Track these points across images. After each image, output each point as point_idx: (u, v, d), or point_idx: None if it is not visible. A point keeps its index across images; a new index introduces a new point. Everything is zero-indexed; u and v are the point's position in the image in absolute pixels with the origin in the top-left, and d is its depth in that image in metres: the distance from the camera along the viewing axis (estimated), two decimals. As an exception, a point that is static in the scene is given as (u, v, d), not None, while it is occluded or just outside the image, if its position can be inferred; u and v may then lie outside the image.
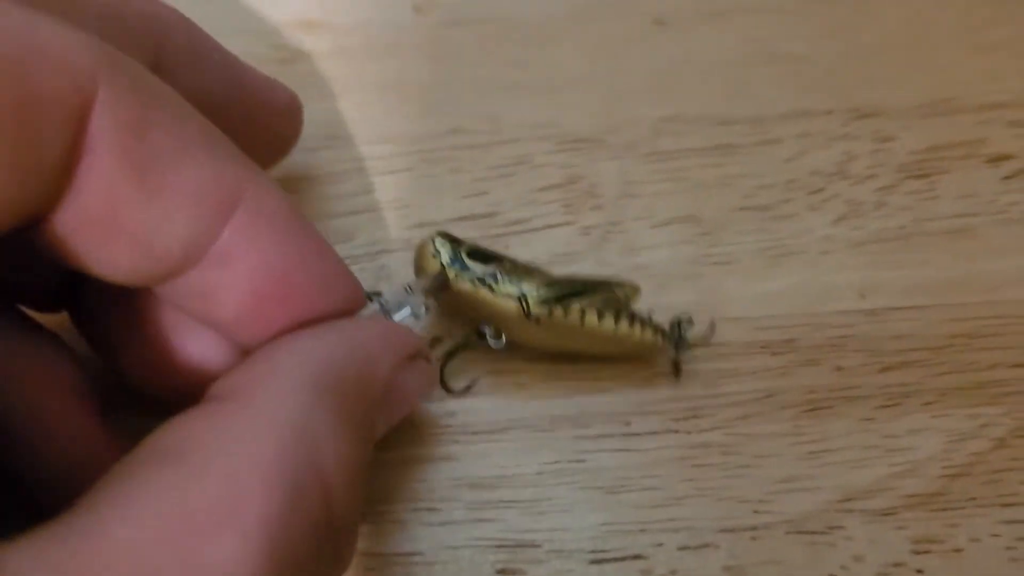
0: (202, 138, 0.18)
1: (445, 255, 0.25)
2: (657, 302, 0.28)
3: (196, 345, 0.21)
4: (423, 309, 0.24)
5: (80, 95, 0.16)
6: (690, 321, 0.27)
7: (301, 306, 0.20)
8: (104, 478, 0.16)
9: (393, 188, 0.31)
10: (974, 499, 0.25)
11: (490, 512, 0.25)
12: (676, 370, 0.27)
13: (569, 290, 0.25)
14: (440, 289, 0.25)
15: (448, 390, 0.27)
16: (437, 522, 0.25)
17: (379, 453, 0.24)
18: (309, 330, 0.20)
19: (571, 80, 0.34)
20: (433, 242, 0.25)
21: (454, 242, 0.25)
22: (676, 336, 0.27)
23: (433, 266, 0.25)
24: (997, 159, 0.31)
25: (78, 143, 0.16)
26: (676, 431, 0.26)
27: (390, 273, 0.29)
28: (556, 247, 0.29)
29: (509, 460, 0.26)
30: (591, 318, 0.25)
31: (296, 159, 0.30)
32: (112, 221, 0.17)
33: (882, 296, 0.28)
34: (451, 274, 0.25)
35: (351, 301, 0.21)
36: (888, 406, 0.27)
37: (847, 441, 0.26)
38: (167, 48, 0.22)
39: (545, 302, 0.25)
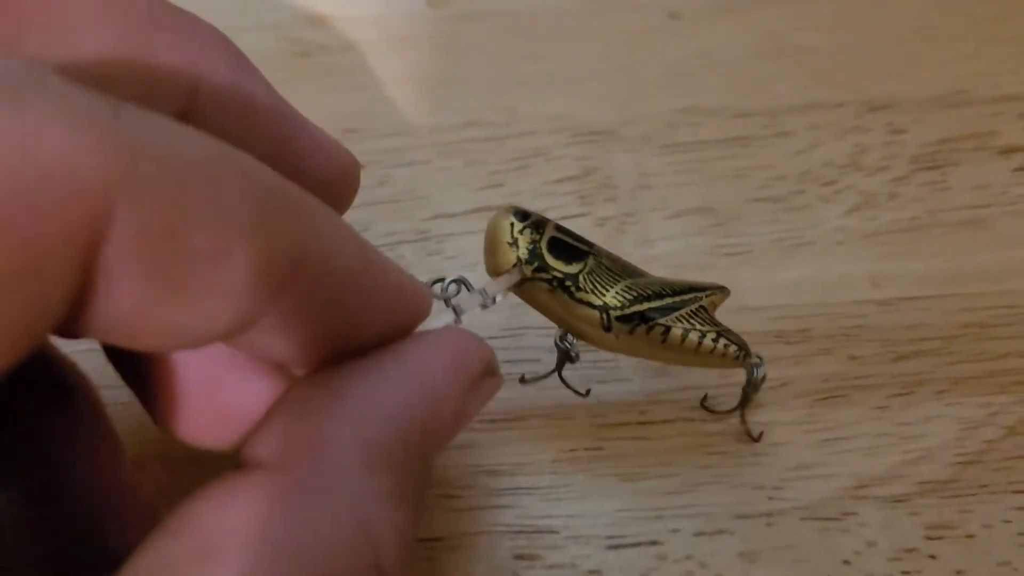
0: (248, 219, 0.14)
1: (523, 247, 0.22)
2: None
3: (236, 393, 0.19)
4: (493, 301, 0.22)
5: (92, 225, 0.12)
6: (759, 359, 0.25)
7: (363, 335, 0.18)
8: (132, 567, 0.15)
9: (409, 180, 0.32)
10: (986, 486, 0.25)
11: (508, 499, 0.25)
12: (744, 423, 0.26)
13: (656, 301, 0.23)
14: (516, 286, 0.23)
15: (579, 394, 0.26)
16: (456, 508, 0.25)
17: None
18: (368, 372, 0.17)
19: (586, 73, 0.34)
20: (511, 227, 0.22)
21: (534, 228, 0.22)
22: (751, 374, 0.25)
23: (507, 257, 0.22)
24: (1009, 151, 0.32)
25: (90, 271, 0.13)
26: (692, 419, 0.27)
27: (408, 264, 0.29)
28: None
29: (526, 448, 0.26)
30: (675, 335, 0.23)
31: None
32: (142, 325, 0.14)
33: (895, 286, 0.29)
34: (527, 271, 0.22)
35: (417, 319, 0.19)
36: (901, 394, 0.27)
37: (860, 429, 0.26)
38: (203, 93, 0.18)
39: (628, 319, 0.23)
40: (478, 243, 0.28)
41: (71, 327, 0.14)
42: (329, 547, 0.15)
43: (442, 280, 0.22)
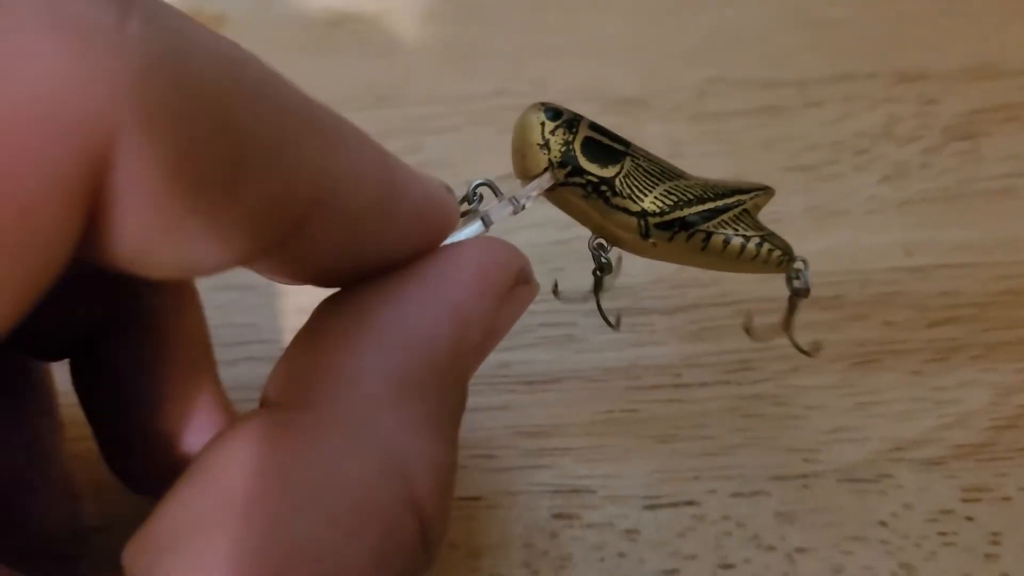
0: (266, 144, 0.13)
1: (556, 150, 0.20)
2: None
3: (193, 432, 0.19)
4: (523, 206, 0.20)
5: (93, 160, 0.11)
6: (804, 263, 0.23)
7: (387, 253, 0.16)
8: (156, 522, 0.14)
9: (440, 147, 0.32)
10: (1021, 450, 0.26)
11: (546, 459, 0.26)
12: (791, 339, 0.24)
13: (697, 206, 0.21)
14: (547, 192, 0.20)
15: (610, 324, 0.23)
16: (495, 468, 0.25)
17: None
18: (389, 295, 0.16)
19: (617, 44, 0.34)
20: (542, 128, 0.20)
21: (567, 128, 0.20)
22: (794, 277, 0.23)
23: (538, 160, 0.20)
24: (1041, 121, 0.32)
25: (95, 201, 0.12)
26: (727, 383, 0.27)
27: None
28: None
29: (563, 409, 0.26)
30: (716, 242, 0.21)
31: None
32: (154, 254, 0.13)
33: (928, 254, 0.29)
34: (559, 176, 0.20)
35: (445, 231, 0.17)
36: (936, 360, 0.27)
37: (896, 394, 0.26)
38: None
39: (667, 225, 0.20)
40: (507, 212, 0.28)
41: (85, 254, 0.12)
42: (357, 485, 0.14)
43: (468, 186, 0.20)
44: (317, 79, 0.32)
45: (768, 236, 0.22)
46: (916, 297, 0.28)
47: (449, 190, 0.18)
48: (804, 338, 0.26)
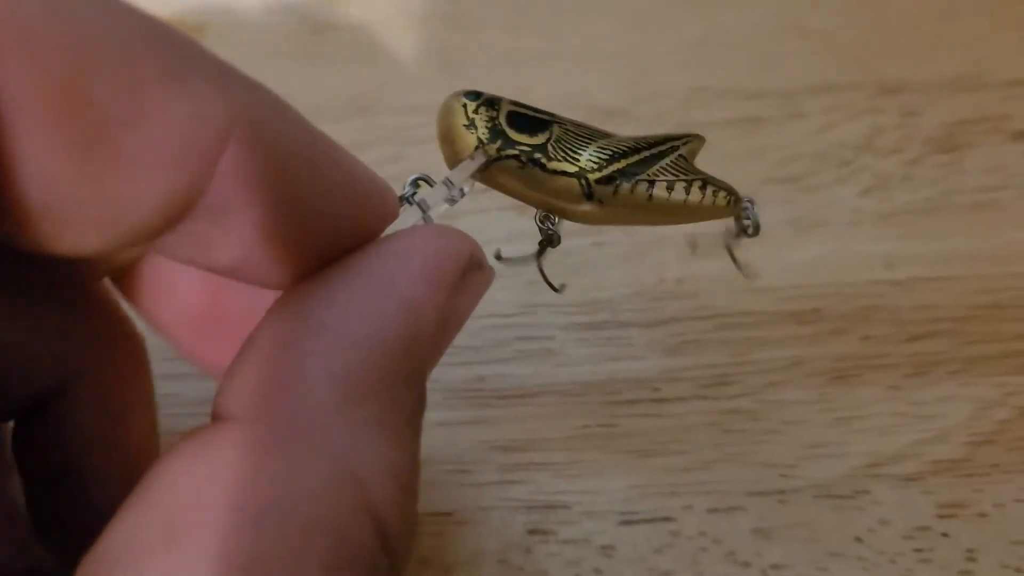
0: (164, 69, 0.13)
1: (482, 127, 0.20)
2: (685, 273, 0.29)
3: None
4: (461, 193, 0.20)
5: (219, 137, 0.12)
6: (751, 202, 0.23)
7: (321, 240, 0.16)
8: (105, 541, 0.14)
9: (422, 156, 0.31)
10: (999, 466, 0.25)
11: (521, 474, 0.25)
12: (732, 256, 0.24)
13: (633, 156, 0.21)
14: (481, 170, 0.20)
15: (553, 288, 0.23)
16: (468, 484, 0.25)
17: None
18: (332, 293, 0.16)
19: (601, 52, 0.34)
20: (465, 109, 0.20)
21: (489, 106, 0.20)
22: (744, 215, 0.23)
23: (466, 141, 0.20)
24: (1022, 134, 0.31)
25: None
26: (705, 397, 0.27)
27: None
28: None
29: (540, 424, 0.26)
30: (660, 192, 0.21)
31: (325, 129, 0.31)
32: (60, 207, 0.13)
33: (909, 267, 0.29)
34: (491, 151, 0.20)
35: (383, 216, 0.17)
36: (915, 374, 0.27)
37: (874, 408, 0.26)
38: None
39: (608, 180, 0.20)
40: (489, 221, 0.28)
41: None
42: (307, 495, 0.14)
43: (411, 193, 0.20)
44: (298, 88, 0.32)
45: (709, 179, 0.22)
46: (896, 311, 0.28)
47: (385, 182, 0.17)
48: (784, 353, 0.26)
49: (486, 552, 0.24)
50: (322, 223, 0.16)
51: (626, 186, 0.20)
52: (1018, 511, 0.25)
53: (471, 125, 0.20)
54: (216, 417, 0.15)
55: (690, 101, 0.32)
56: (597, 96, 0.32)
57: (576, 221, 0.21)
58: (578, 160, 0.20)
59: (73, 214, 0.13)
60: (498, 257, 0.23)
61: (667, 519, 0.25)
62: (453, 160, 0.20)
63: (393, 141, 0.32)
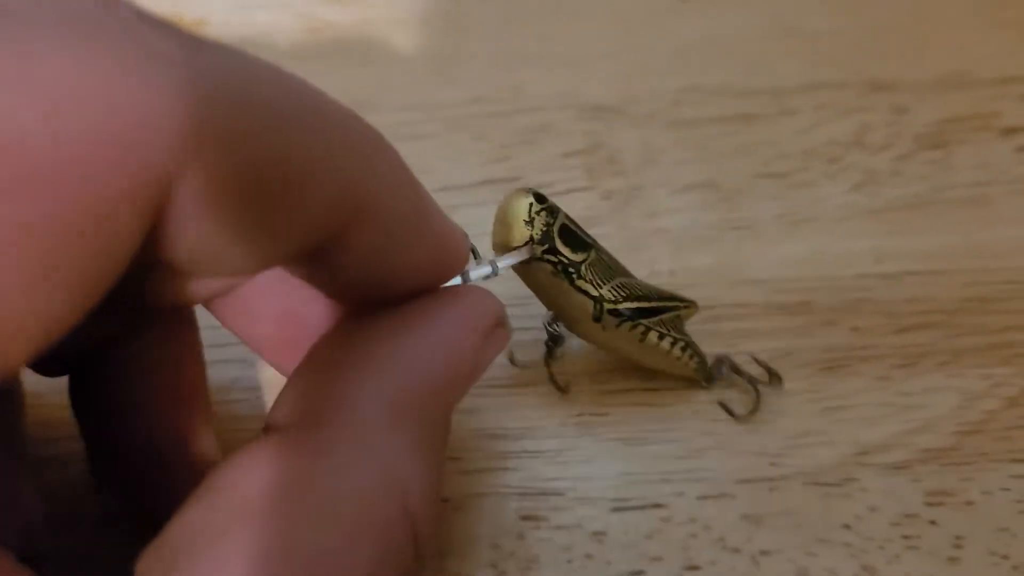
0: (318, 163, 0.15)
1: (538, 228, 0.22)
2: (677, 265, 0.29)
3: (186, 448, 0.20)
4: (496, 274, 0.23)
5: (163, 176, 0.12)
6: (732, 364, 0.27)
7: (407, 279, 0.18)
8: (170, 532, 0.15)
9: (418, 153, 0.32)
10: (986, 454, 0.26)
11: (514, 461, 0.26)
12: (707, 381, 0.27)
13: (644, 303, 0.24)
14: (523, 263, 0.23)
15: (560, 389, 0.27)
16: (462, 471, 0.26)
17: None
18: (388, 328, 0.18)
19: (594, 52, 0.34)
20: (530, 207, 0.23)
21: (549, 213, 0.23)
22: (713, 373, 0.27)
23: (521, 233, 0.23)
24: (1011, 131, 0.32)
25: (160, 215, 0.13)
26: (695, 387, 0.27)
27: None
28: (578, 211, 0.30)
29: (533, 412, 0.27)
30: (652, 337, 0.25)
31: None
32: (207, 264, 0.14)
33: (898, 261, 0.29)
34: (537, 251, 0.23)
35: (456, 265, 0.20)
36: (904, 365, 0.27)
37: (863, 398, 0.27)
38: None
39: (618, 313, 0.24)
40: (484, 214, 0.28)
41: (148, 260, 0.13)
42: (360, 498, 0.16)
43: None
44: (295, 85, 0.32)
45: (692, 344, 0.26)
46: (885, 303, 0.28)
47: (462, 230, 0.20)
48: (774, 344, 0.27)
49: (479, 537, 0.24)
50: (411, 273, 0.18)
51: (628, 324, 0.24)
52: (1005, 499, 0.25)
53: (530, 223, 0.22)
54: (272, 426, 0.17)
55: (681, 99, 0.33)
56: (589, 95, 0.33)
57: (576, 333, 0.25)
58: (601, 288, 0.23)
59: (208, 270, 0.15)
60: (512, 361, 0.27)
61: (658, 506, 0.25)
62: (503, 240, 0.23)
63: (390, 138, 0.32)
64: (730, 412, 0.26)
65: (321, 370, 0.18)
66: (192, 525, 0.15)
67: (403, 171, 0.17)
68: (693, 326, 0.28)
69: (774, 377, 0.27)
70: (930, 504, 0.25)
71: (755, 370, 0.27)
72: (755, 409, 0.26)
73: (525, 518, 0.25)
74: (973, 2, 0.35)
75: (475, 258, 0.23)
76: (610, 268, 0.24)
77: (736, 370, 0.27)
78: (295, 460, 0.16)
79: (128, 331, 0.20)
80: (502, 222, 0.23)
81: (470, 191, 0.31)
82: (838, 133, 0.32)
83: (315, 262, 0.16)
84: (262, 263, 0.15)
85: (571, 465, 0.26)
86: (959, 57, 0.33)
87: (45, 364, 0.21)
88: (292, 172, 0.14)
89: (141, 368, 0.21)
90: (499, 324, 0.20)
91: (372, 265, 0.17)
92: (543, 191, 0.23)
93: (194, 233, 0.13)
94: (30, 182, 0.11)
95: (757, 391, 0.26)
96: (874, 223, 0.30)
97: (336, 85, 0.32)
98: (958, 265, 0.29)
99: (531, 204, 0.23)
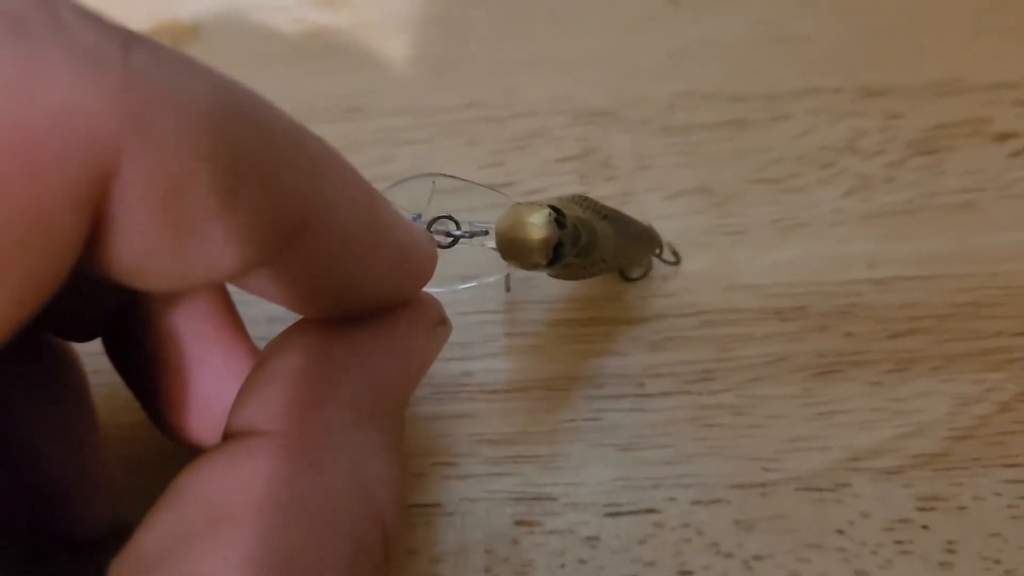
0: (257, 169, 0.14)
1: (551, 255, 0.21)
2: (670, 269, 0.29)
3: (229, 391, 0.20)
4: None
5: (98, 176, 0.12)
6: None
7: (367, 290, 0.18)
8: (142, 539, 0.15)
9: (412, 158, 0.32)
10: (978, 460, 0.26)
11: (508, 467, 0.26)
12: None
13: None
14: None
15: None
16: (457, 476, 0.26)
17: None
18: (343, 336, 0.18)
19: (587, 57, 0.34)
20: (547, 242, 0.21)
21: (573, 238, 0.22)
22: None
23: (535, 256, 0.21)
24: (1003, 137, 0.32)
25: (97, 217, 0.13)
26: (688, 392, 0.27)
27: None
28: (572, 216, 0.30)
29: (526, 418, 0.27)
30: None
31: (318, 130, 0.31)
32: (149, 268, 0.14)
33: (890, 266, 0.29)
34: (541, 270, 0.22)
35: (422, 277, 0.19)
36: (896, 371, 0.27)
37: (855, 404, 0.27)
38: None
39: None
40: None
41: (86, 265, 0.13)
42: (333, 499, 0.16)
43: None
44: (290, 90, 0.33)
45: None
46: (877, 309, 0.28)
47: (430, 238, 0.20)
48: (767, 349, 0.27)
49: (473, 542, 0.24)
50: (370, 285, 0.18)
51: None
52: (996, 504, 0.25)
53: (550, 258, 0.21)
54: (237, 430, 0.17)
55: (675, 104, 0.33)
56: (584, 100, 0.33)
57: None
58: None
59: (151, 274, 0.14)
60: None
61: (651, 511, 0.25)
62: (517, 259, 0.21)
63: (384, 143, 0.32)
64: (625, 276, 0.28)
65: (281, 377, 0.18)
66: (166, 531, 0.15)
67: (355, 180, 0.17)
68: (687, 331, 0.28)
69: (673, 255, 0.29)
70: (922, 509, 0.25)
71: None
72: (645, 274, 0.29)
73: (519, 523, 0.25)
74: (965, 9, 0.35)
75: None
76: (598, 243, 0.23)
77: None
78: (266, 463, 0.16)
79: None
80: (520, 249, 0.21)
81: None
82: (831, 139, 0.32)
83: (271, 273, 0.16)
84: (208, 273, 0.15)
85: (564, 471, 0.26)
86: (951, 63, 0.33)
87: (75, 330, 0.21)
88: (228, 176, 0.14)
89: (168, 312, 0.21)
90: (440, 322, 0.21)
91: (329, 275, 0.17)
92: (537, 197, 0.23)
93: (133, 236, 0.13)
94: None
95: (650, 261, 0.29)
96: (867, 228, 0.30)
97: (330, 89, 0.33)
98: (950, 270, 0.29)
99: (548, 240, 0.21)
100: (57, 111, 0.12)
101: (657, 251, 0.29)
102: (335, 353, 0.18)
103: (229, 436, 0.17)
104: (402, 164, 0.32)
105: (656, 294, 0.29)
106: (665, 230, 0.30)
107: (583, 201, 0.25)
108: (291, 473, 0.16)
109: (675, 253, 0.30)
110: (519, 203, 0.22)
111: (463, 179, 0.24)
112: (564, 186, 0.31)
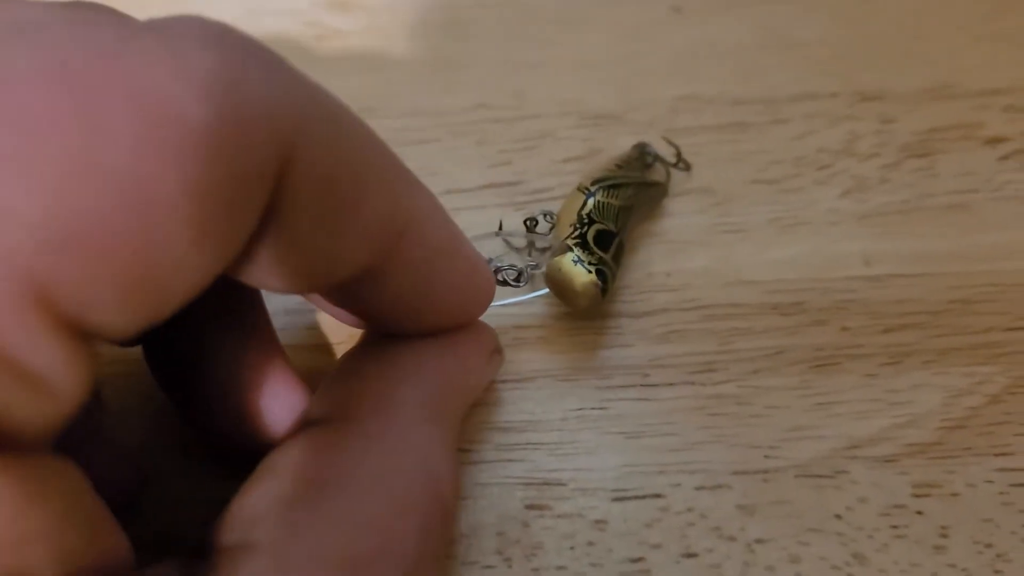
0: (380, 175, 0.17)
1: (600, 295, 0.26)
2: (672, 267, 0.30)
3: (271, 399, 0.22)
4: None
5: (281, 160, 0.15)
6: (651, 151, 0.32)
7: (442, 299, 0.21)
8: (243, 503, 0.18)
9: (422, 157, 0.33)
10: (970, 449, 0.27)
11: (518, 453, 0.27)
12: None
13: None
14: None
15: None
16: (468, 461, 0.26)
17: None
18: (419, 347, 0.21)
19: (593, 61, 0.35)
20: (593, 299, 0.27)
21: (611, 273, 0.27)
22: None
23: (581, 300, 0.27)
24: (994, 141, 0.33)
25: (270, 206, 0.15)
26: (692, 383, 0.28)
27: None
28: (579, 214, 0.31)
29: (535, 407, 0.27)
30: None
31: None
32: (287, 262, 0.16)
33: (885, 264, 0.30)
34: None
35: (483, 302, 0.23)
36: (891, 364, 0.28)
37: (852, 395, 0.28)
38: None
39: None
40: (486, 217, 0.30)
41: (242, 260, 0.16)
42: (404, 477, 0.19)
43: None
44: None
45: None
46: (873, 304, 0.29)
47: (488, 265, 0.23)
48: (767, 342, 0.28)
49: (485, 525, 0.25)
50: (445, 297, 0.21)
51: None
52: (988, 491, 0.26)
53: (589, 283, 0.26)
54: (321, 417, 0.20)
55: (678, 108, 0.34)
56: (590, 102, 0.34)
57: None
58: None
59: (291, 267, 0.17)
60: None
61: (656, 496, 0.26)
62: (565, 299, 0.27)
63: (395, 143, 0.33)
64: (655, 182, 0.31)
65: (360, 377, 0.21)
66: (263, 498, 0.18)
67: (436, 200, 0.20)
68: (690, 325, 0.29)
69: (683, 161, 0.32)
70: (917, 495, 0.26)
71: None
72: (666, 182, 0.32)
73: (530, 507, 0.26)
74: (958, 16, 0.36)
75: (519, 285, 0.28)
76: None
77: (656, 157, 0.32)
78: (351, 445, 0.19)
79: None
80: (571, 295, 0.27)
81: (473, 194, 0.32)
82: (828, 141, 0.33)
83: (360, 283, 0.19)
84: (342, 268, 0.17)
85: (573, 457, 0.27)
86: (945, 69, 0.35)
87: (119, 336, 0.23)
88: (353, 183, 0.16)
89: (207, 320, 0.22)
90: (497, 351, 0.25)
91: (412, 288, 0.20)
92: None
93: (297, 229, 0.16)
94: (195, 151, 0.13)
95: (668, 172, 0.32)
96: (863, 228, 0.31)
97: (342, 91, 0.33)
98: (943, 268, 0.30)
99: (595, 283, 0.26)
100: (256, 101, 0.14)
101: (672, 165, 0.32)
102: (407, 362, 0.21)
103: (310, 422, 0.20)
104: (412, 164, 0.32)
105: (660, 289, 0.30)
106: (667, 228, 0.31)
107: (617, 170, 0.30)
108: (372, 454, 0.19)
109: (684, 160, 0.32)
110: (560, 257, 0.26)
111: (525, 236, 0.30)
112: (570, 185, 0.32)
